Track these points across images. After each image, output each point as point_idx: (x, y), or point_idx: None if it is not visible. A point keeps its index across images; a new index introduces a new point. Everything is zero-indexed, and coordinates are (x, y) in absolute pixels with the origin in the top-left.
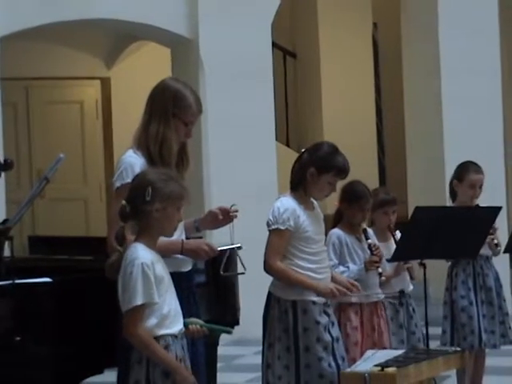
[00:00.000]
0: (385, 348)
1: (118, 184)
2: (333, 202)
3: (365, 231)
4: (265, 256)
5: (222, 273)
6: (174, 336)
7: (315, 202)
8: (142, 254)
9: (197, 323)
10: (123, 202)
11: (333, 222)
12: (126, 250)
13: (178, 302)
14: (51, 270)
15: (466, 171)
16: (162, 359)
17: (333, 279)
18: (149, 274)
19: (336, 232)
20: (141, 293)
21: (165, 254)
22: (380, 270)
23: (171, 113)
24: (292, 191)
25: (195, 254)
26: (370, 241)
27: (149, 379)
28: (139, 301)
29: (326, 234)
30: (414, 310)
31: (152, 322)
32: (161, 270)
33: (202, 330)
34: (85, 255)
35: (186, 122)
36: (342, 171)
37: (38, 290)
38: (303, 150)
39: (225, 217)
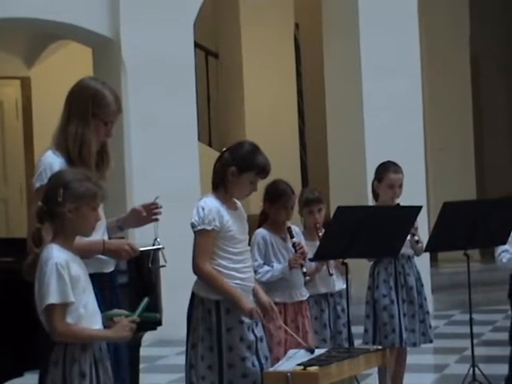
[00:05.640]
0: None
1: (37, 185)
2: (257, 202)
3: (289, 230)
4: (193, 258)
5: (150, 265)
6: None
7: (238, 202)
8: (56, 254)
9: (121, 314)
10: (40, 203)
11: (258, 222)
12: (42, 251)
13: (96, 302)
14: None
15: (385, 171)
16: (97, 337)
17: (256, 296)
18: (63, 273)
19: (261, 232)
20: (55, 292)
21: (86, 254)
22: (304, 269)
23: (90, 112)
24: (214, 191)
25: (117, 254)
26: (294, 239)
27: (65, 380)
28: (52, 299)
29: (251, 234)
30: (342, 309)
31: (69, 322)
32: (77, 269)
33: (133, 318)
34: (5, 256)
35: (106, 121)
36: (263, 170)
37: None
38: (224, 149)
39: (148, 214)
